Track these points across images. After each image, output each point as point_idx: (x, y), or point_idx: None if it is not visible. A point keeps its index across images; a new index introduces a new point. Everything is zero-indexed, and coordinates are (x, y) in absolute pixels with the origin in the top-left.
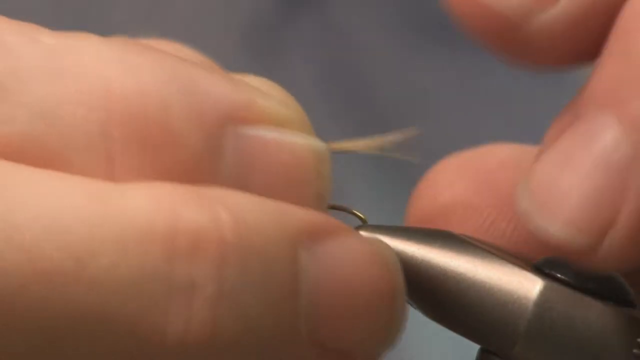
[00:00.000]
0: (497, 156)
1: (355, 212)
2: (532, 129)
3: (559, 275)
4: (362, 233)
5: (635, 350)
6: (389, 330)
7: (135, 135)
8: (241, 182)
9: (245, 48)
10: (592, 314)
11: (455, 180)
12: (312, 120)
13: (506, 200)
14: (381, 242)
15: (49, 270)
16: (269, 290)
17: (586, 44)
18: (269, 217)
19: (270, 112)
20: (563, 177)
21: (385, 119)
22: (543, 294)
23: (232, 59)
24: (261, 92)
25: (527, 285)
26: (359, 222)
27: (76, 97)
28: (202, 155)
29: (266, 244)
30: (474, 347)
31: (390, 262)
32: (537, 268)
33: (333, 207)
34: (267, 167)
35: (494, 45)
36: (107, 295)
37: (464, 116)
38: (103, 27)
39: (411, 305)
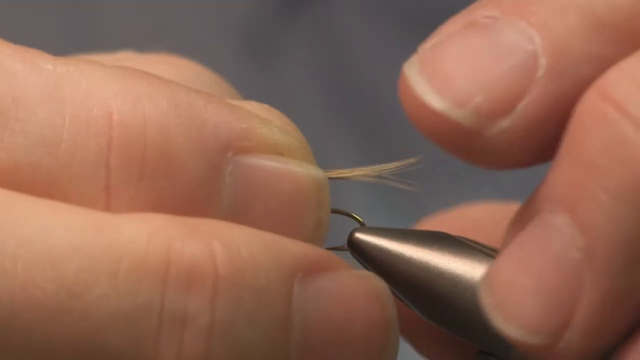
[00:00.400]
0: (472, 217)
1: (353, 214)
2: None
3: None
4: (360, 234)
5: None
6: None
7: (134, 163)
8: (241, 211)
9: (244, 48)
10: None
11: None
12: (310, 120)
13: None
14: (374, 276)
15: (41, 300)
16: (262, 323)
17: (543, 146)
18: (264, 252)
19: (270, 140)
20: (520, 279)
21: (383, 119)
22: None
23: (231, 60)
24: (261, 119)
25: None
26: (357, 225)
27: (76, 125)
28: (202, 184)
29: (260, 278)
30: None
31: (383, 296)
32: None
33: (333, 211)
34: (267, 196)
35: (450, 150)
36: (98, 325)
37: None
38: (102, 26)
39: (409, 307)
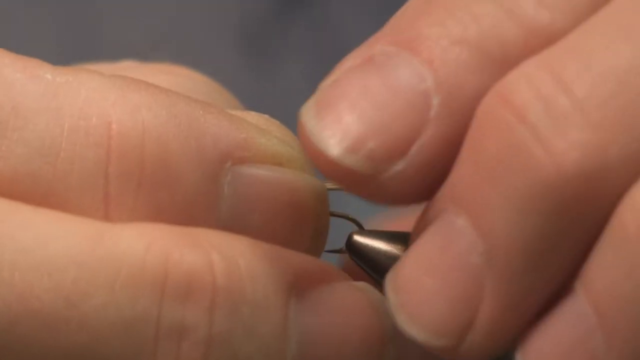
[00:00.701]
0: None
1: (352, 217)
2: None
3: None
4: (359, 237)
5: None
6: None
7: (132, 173)
8: (239, 221)
9: (241, 50)
10: None
11: None
12: None
13: None
14: (371, 288)
15: (39, 309)
16: (259, 335)
17: (442, 178)
18: (262, 263)
19: (269, 150)
20: (424, 279)
21: None
22: None
23: (229, 62)
24: (260, 129)
25: None
26: (356, 228)
27: (75, 134)
28: (200, 194)
29: (258, 290)
30: None
31: (380, 307)
32: None
33: (331, 214)
34: (266, 207)
35: (350, 191)
36: (96, 335)
37: None
38: (99, 29)
39: None
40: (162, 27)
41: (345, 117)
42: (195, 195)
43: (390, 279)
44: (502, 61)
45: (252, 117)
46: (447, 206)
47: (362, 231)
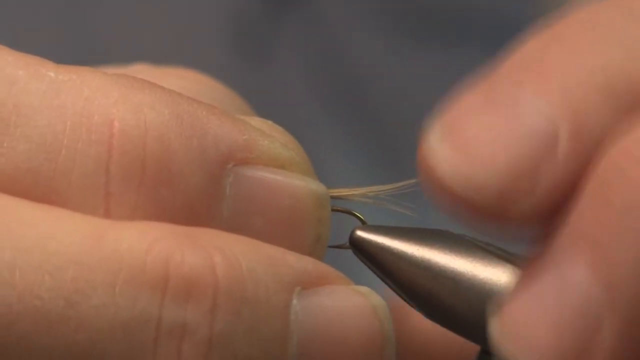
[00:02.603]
0: None
1: (354, 213)
2: None
3: None
4: (362, 232)
5: None
6: None
7: (134, 171)
8: (240, 222)
9: (233, 48)
10: None
11: None
12: (302, 118)
13: None
14: (371, 291)
15: (39, 309)
16: (260, 335)
17: (560, 210)
18: (264, 264)
19: (271, 152)
20: (536, 324)
21: (375, 116)
22: None
23: (221, 61)
24: (262, 132)
25: None
26: (359, 223)
27: (76, 132)
28: (202, 194)
29: (259, 292)
30: None
31: (380, 311)
32: None
33: (334, 210)
34: (267, 209)
35: (465, 223)
36: (95, 335)
37: None
38: (91, 26)
39: (411, 306)
40: (153, 27)
41: (473, 152)
42: (196, 195)
43: (498, 318)
44: (628, 101)
45: (256, 122)
46: (567, 251)
47: (365, 226)
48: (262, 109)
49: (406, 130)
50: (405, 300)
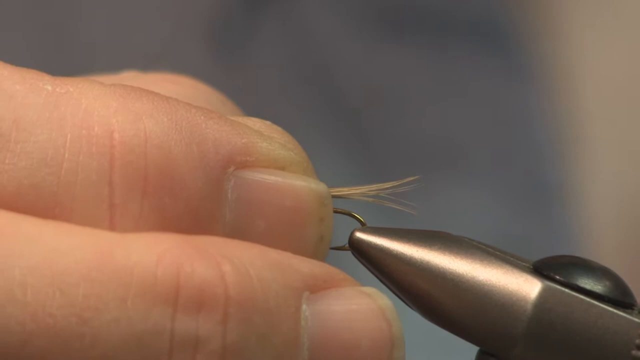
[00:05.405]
0: None
1: (354, 214)
2: (501, 121)
3: (557, 277)
4: (361, 234)
5: (634, 352)
6: None
7: (136, 181)
8: (244, 226)
9: (210, 46)
10: (591, 316)
11: None
12: (278, 117)
13: None
14: (378, 292)
15: (52, 326)
16: (272, 342)
17: None
18: (273, 271)
19: (271, 154)
20: None
21: (352, 115)
22: (542, 295)
23: (197, 59)
24: (262, 134)
25: (526, 287)
26: (358, 224)
27: (77, 144)
28: (204, 200)
29: (269, 299)
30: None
31: (389, 313)
32: (536, 269)
33: (335, 211)
34: (270, 211)
35: None
36: (110, 351)
37: (433, 108)
38: (66, 26)
39: (410, 307)
40: (128, 26)
41: None
42: (199, 201)
43: None
44: None
45: (254, 122)
46: None
47: (365, 228)
48: (239, 107)
49: (383, 129)
50: (404, 302)
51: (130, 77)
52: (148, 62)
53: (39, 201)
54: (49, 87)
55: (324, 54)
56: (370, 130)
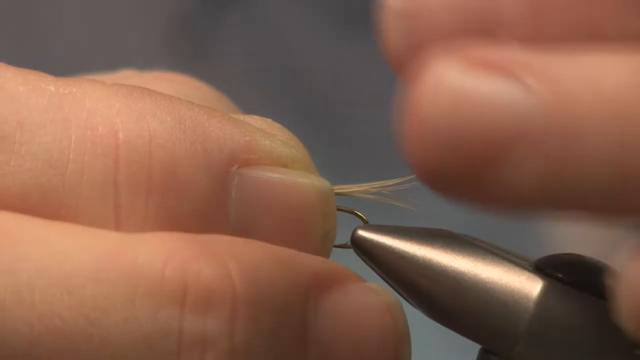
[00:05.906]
0: None
1: (356, 212)
2: None
3: (559, 275)
4: (363, 231)
5: (636, 351)
6: None
7: (141, 180)
8: (248, 224)
9: (170, 50)
10: (593, 314)
11: None
12: (244, 112)
13: None
14: (384, 289)
15: (60, 327)
16: (279, 340)
17: None
18: (279, 270)
19: (273, 152)
20: None
21: (318, 108)
22: (543, 293)
23: (158, 59)
24: (264, 132)
25: (528, 285)
26: (361, 222)
27: (82, 145)
28: (209, 198)
29: (276, 298)
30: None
31: (394, 308)
32: (538, 267)
33: (338, 209)
34: (273, 208)
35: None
36: (118, 351)
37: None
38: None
39: (412, 305)
40: (89, 28)
41: None
42: (204, 200)
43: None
44: None
45: (255, 120)
46: None
47: (367, 226)
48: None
49: (350, 121)
50: (406, 299)
51: (127, 76)
52: (111, 64)
53: (45, 202)
54: (52, 88)
55: (287, 47)
56: (335, 121)
